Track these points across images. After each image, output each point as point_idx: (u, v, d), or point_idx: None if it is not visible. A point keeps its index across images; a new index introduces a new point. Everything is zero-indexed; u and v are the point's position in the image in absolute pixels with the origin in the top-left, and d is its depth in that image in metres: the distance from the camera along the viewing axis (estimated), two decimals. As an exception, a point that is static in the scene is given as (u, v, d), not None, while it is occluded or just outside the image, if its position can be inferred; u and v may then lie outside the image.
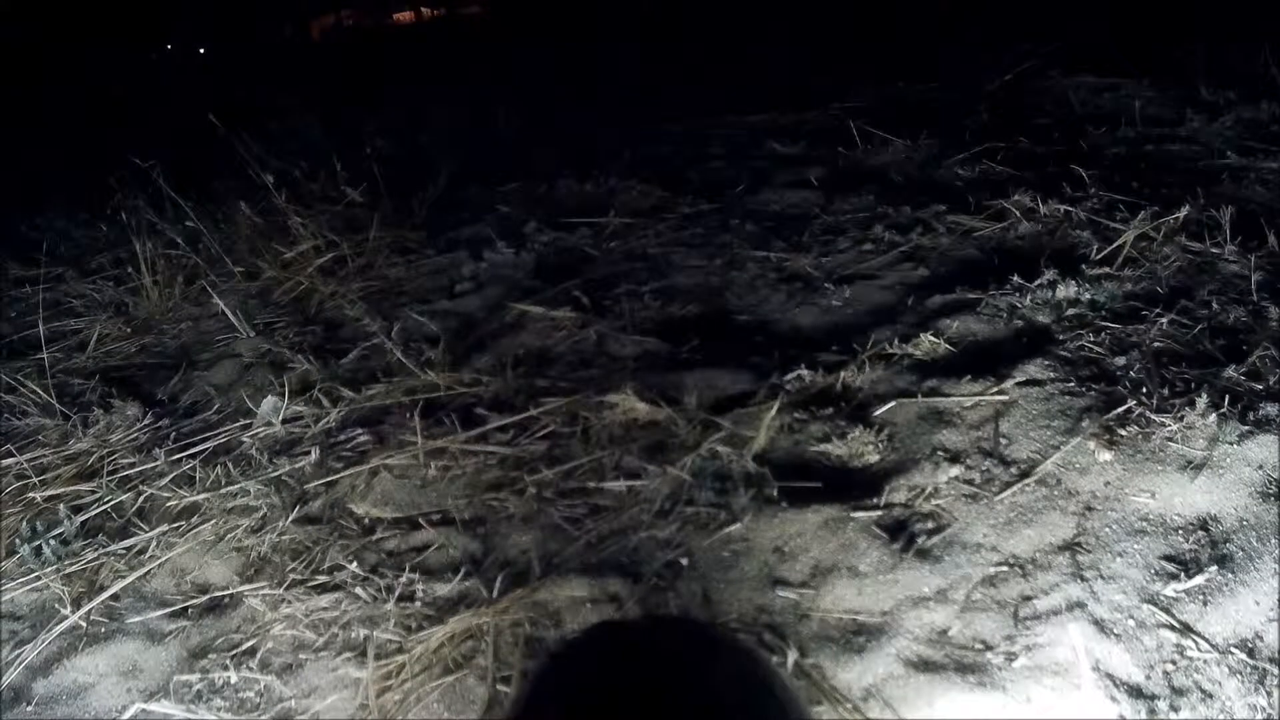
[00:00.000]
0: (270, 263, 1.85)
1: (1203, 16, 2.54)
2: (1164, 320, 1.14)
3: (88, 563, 1.07)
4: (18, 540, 1.11)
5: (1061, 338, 1.16)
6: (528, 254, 1.74)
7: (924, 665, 0.77)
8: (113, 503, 1.17)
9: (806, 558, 0.90)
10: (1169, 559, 0.82)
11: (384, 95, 3.54)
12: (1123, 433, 0.97)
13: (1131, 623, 0.77)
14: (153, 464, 1.23)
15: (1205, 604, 0.78)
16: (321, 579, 0.99)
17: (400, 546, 1.02)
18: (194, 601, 1.00)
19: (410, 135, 2.69)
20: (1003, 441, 1.00)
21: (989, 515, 0.91)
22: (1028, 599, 0.81)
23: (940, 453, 1.00)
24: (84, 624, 0.99)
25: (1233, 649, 0.74)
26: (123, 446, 1.29)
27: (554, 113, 2.89)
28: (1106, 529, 0.87)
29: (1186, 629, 0.76)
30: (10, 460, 1.29)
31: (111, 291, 1.90)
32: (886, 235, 1.57)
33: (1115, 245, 1.34)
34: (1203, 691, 0.71)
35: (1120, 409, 1.00)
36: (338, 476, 1.14)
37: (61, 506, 1.16)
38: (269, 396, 1.32)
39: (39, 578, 1.06)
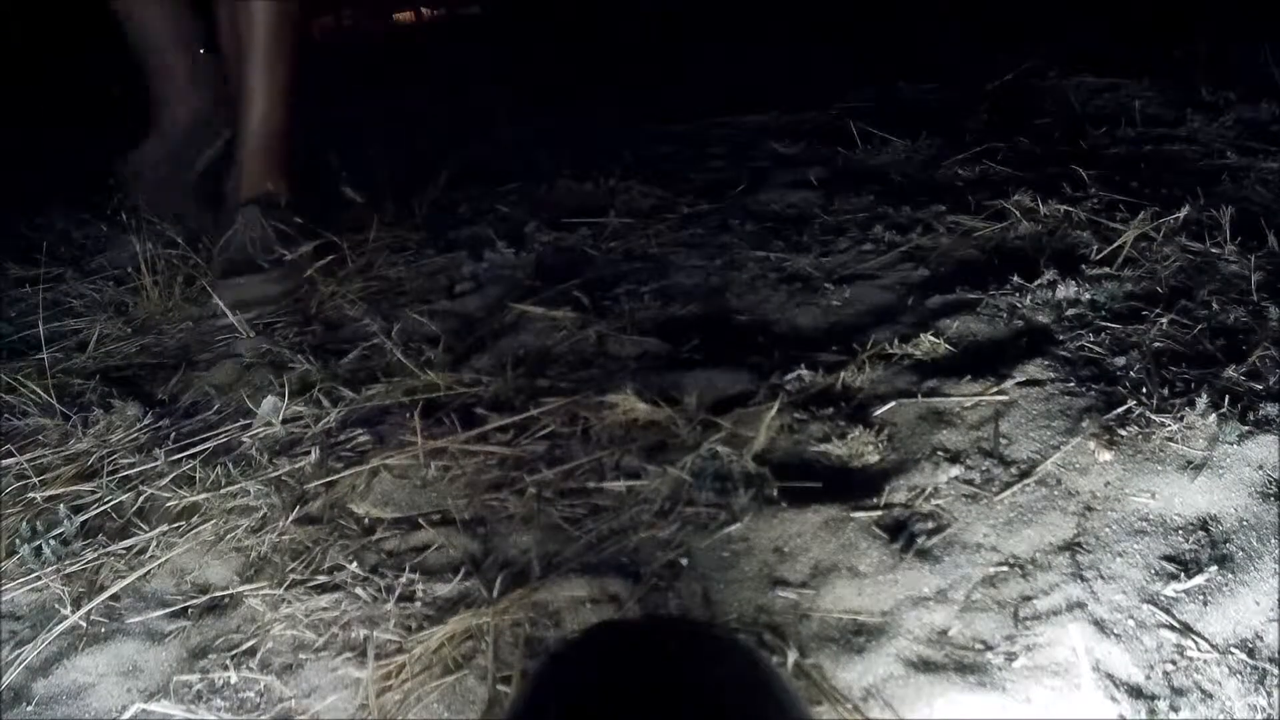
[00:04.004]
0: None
1: (1203, 16, 2.54)
2: (1164, 320, 1.15)
3: (88, 563, 1.07)
4: (18, 540, 1.11)
5: (1061, 338, 1.16)
6: (528, 254, 1.74)
7: (924, 665, 0.77)
8: (113, 503, 1.17)
9: (806, 558, 0.90)
10: (1169, 559, 0.82)
11: (384, 95, 3.54)
12: (1123, 433, 0.97)
13: (1131, 623, 0.77)
14: (153, 464, 1.23)
15: (1205, 604, 0.78)
16: (321, 579, 0.99)
17: (400, 546, 1.02)
18: (194, 601, 1.00)
19: (410, 135, 2.69)
20: (1003, 441, 1.00)
21: (989, 515, 0.91)
22: (1028, 599, 0.81)
23: (940, 453, 1.00)
24: (84, 624, 0.99)
25: (1233, 649, 0.74)
26: (123, 446, 1.29)
27: (554, 113, 2.89)
28: (1106, 529, 0.87)
29: (1186, 629, 0.76)
30: (10, 460, 1.28)
31: (111, 291, 1.89)
32: (886, 235, 1.57)
33: (1115, 245, 1.34)
34: (1203, 691, 0.71)
35: (1120, 409, 1.00)
36: (338, 476, 1.14)
37: (61, 506, 1.16)
38: (269, 396, 1.32)
39: (39, 578, 1.06)
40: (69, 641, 0.98)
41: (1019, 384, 1.07)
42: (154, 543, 1.09)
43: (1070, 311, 1.22)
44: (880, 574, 0.87)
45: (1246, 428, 0.93)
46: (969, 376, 1.10)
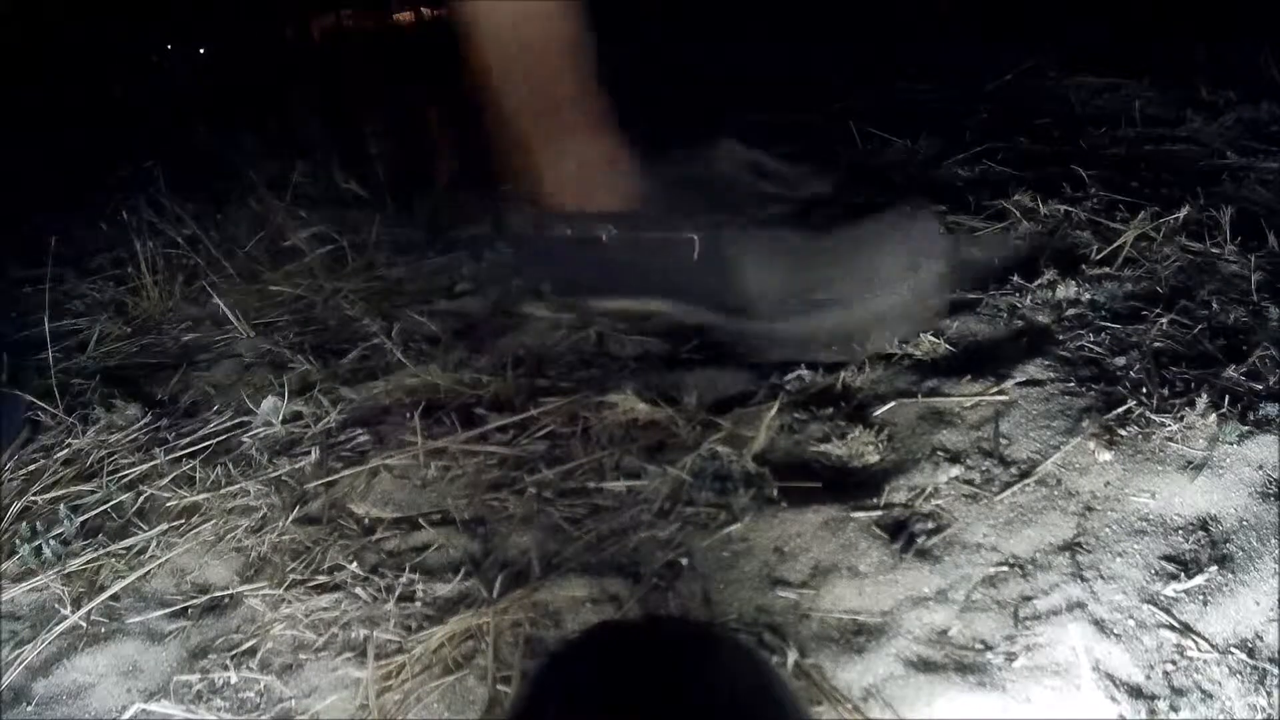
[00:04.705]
0: (269, 263, 1.85)
1: (1203, 16, 2.54)
2: (1164, 320, 1.14)
3: (88, 563, 1.07)
4: (18, 540, 1.11)
5: (1061, 338, 1.16)
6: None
7: (924, 665, 0.77)
8: (113, 503, 1.17)
9: (806, 558, 0.90)
10: (1169, 559, 0.82)
11: (384, 95, 3.54)
12: (1123, 433, 0.97)
13: (1131, 623, 0.77)
14: (153, 464, 1.23)
15: (1205, 604, 0.78)
16: (321, 579, 0.99)
17: (400, 546, 1.02)
18: (194, 601, 1.00)
19: (410, 135, 2.69)
20: (1003, 441, 1.00)
21: (989, 515, 0.91)
22: (1028, 599, 0.81)
23: (940, 453, 1.00)
24: (84, 624, 0.99)
25: (1233, 649, 0.74)
26: (123, 446, 1.29)
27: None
28: (1106, 529, 0.87)
29: (1186, 629, 0.76)
30: (10, 460, 1.29)
31: (111, 291, 1.90)
32: (886, 235, 1.57)
33: (1115, 245, 1.34)
34: (1203, 691, 0.71)
35: (1120, 409, 1.00)
36: (338, 476, 1.14)
37: (61, 506, 1.16)
38: (269, 396, 1.32)
39: (39, 577, 1.06)
40: (69, 641, 0.98)
41: (1019, 384, 1.07)
42: (154, 543, 1.10)
43: (1070, 311, 1.21)
44: (880, 574, 0.87)
45: (1246, 428, 0.93)
46: (969, 376, 1.10)
